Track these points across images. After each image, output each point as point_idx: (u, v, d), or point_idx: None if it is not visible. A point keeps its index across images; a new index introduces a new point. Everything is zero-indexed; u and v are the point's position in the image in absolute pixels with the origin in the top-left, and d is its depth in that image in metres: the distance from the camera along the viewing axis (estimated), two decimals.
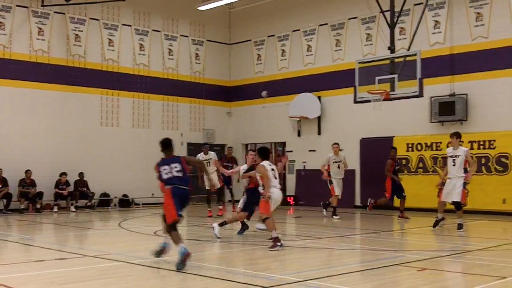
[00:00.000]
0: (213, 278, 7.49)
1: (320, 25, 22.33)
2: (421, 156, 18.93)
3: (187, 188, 8.67)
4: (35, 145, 19.85)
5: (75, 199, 19.93)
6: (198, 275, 7.66)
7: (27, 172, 19.22)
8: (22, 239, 12.27)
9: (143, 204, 21.83)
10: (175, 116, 23.76)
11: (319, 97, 22.00)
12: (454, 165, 12.79)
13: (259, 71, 24.54)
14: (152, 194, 22.34)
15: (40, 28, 20.34)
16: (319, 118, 22.04)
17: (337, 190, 16.54)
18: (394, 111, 19.12)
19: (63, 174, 19.81)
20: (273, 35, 23.98)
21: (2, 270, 8.28)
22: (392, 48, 16.99)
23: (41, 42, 20.35)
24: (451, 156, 12.89)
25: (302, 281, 7.15)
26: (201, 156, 17.35)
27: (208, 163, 17.00)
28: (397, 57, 16.47)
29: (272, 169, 10.60)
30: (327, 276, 7.53)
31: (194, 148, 24.14)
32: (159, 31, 23.44)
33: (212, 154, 17.35)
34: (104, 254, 9.53)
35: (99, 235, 13.79)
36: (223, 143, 25.33)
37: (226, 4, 23.28)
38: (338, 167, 16.57)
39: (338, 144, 16.84)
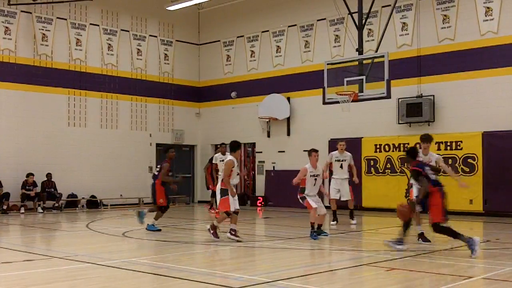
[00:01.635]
0: (183, 279, 7.47)
1: (289, 26, 22.43)
2: (389, 157, 19.15)
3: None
4: (1, 145, 19.54)
5: (42, 200, 19.66)
6: (168, 276, 7.63)
7: None
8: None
9: (111, 205, 21.64)
10: (143, 117, 23.60)
11: (288, 98, 22.10)
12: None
13: (228, 71, 24.54)
14: (121, 195, 22.20)
15: (6, 28, 20.02)
16: (288, 119, 22.14)
17: (333, 193, 14.94)
18: (362, 112, 19.30)
19: (30, 174, 19.52)
20: (242, 36, 24.01)
21: None
22: (360, 50, 17.14)
23: (7, 41, 20.03)
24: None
25: (271, 281, 7.17)
26: (219, 156, 16.99)
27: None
28: (365, 59, 16.62)
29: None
30: (296, 277, 7.58)
31: (163, 149, 24.05)
32: (127, 31, 23.27)
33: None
34: (72, 255, 9.44)
35: (67, 237, 13.64)
36: (192, 143, 25.27)
37: (195, 4, 23.23)
38: (341, 166, 14.93)
39: (344, 142, 15.39)
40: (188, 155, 25.37)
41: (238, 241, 10.99)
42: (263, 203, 22.25)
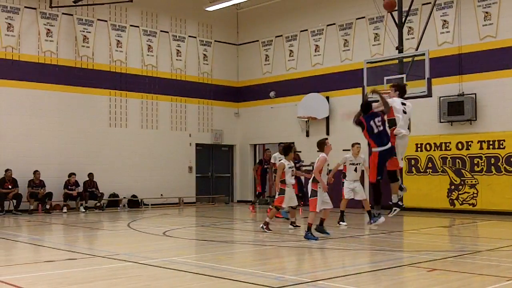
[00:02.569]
0: (223, 278, 7.48)
1: (328, 25, 22.30)
2: (430, 156, 18.86)
3: None
4: (43, 146, 19.92)
5: (84, 199, 20.00)
6: (208, 275, 7.65)
7: (36, 173, 19.30)
8: (31, 240, 12.31)
9: (152, 204, 21.86)
10: (183, 117, 23.78)
11: (327, 97, 21.97)
12: None
13: (267, 71, 24.53)
14: (161, 195, 22.40)
15: (48, 30, 20.41)
16: (327, 118, 22.01)
17: (347, 193, 14.70)
18: None
19: (72, 174, 19.88)
20: (281, 36, 23.97)
21: (12, 270, 8.31)
22: (400, 48, 16.93)
23: (49, 43, 20.42)
24: None
25: (311, 281, 7.13)
26: (277, 155, 16.26)
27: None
28: (405, 57, 16.41)
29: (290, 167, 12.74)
30: (337, 277, 7.51)
31: (202, 149, 24.22)
32: (167, 32, 23.48)
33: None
34: (113, 254, 9.55)
35: (108, 236, 13.82)
36: (231, 143, 25.34)
37: (234, 4, 23.29)
38: (355, 170, 14.42)
39: (359, 144, 14.80)
40: (227, 155, 25.45)
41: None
42: (302, 202, 22.11)
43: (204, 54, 24.67)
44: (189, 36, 24.16)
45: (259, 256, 10.08)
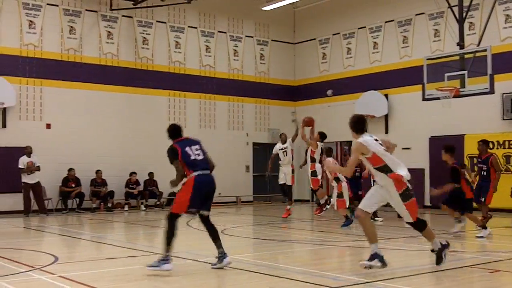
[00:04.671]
0: (280, 277, 7.47)
1: (387, 21, 21.98)
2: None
3: None
4: (106, 146, 20.38)
5: (144, 198, 20.39)
6: (265, 274, 7.66)
7: (98, 172, 19.79)
8: (94, 237, 12.61)
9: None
10: (240, 117, 23.91)
11: (386, 95, 21.66)
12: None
13: (324, 69, 24.38)
14: (219, 194, 22.53)
15: (109, 32, 20.88)
16: (386, 116, 21.70)
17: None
18: (464, 108, 18.58)
19: (133, 173, 20.31)
20: (338, 33, 23.79)
21: (74, 267, 8.54)
22: (461, 44, 16.54)
23: (110, 45, 20.89)
24: None
25: (369, 281, 7.04)
26: (278, 146, 16.85)
27: (285, 153, 16.64)
28: (467, 53, 16.02)
29: None
30: (395, 277, 7.39)
31: (259, 148, 24.28)
32: (224, 32, 23.66)
33: (288, 142, 16.69)
34: (173, 252, 9.66)
35: None
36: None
37: (290, 3, 23.25)
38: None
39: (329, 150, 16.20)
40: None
41: None
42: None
43: (261, 54, 24.73)
44: (246, 36, 24.27)
45: (317, 256, 10.03)
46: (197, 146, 8.92)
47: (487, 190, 13.27)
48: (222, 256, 8.15)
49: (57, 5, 19.85)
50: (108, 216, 18.01)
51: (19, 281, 7.36)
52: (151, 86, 21.67)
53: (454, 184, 11.71)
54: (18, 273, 7.84)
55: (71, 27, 20.12)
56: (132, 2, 20.74)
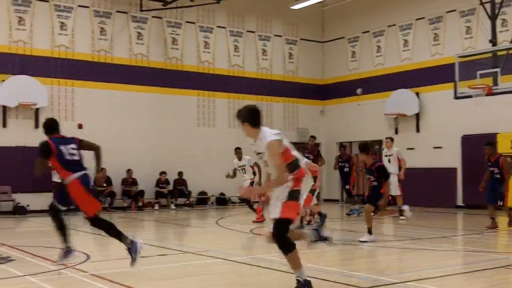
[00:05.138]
0: (310, 277, 7.43)
1: (417, 19, 21.74)
2: None
3: None
4: (136, 146, 20.55)
5: (174, 197, 20.53)
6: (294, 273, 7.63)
7: (129, 171, 19.98)
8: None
9: (239, 203, 22.09)
10: (269, 116, 23.88)
11: (417, 93, 21.43)
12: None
13: (353, 68, 24.23)
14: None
15: (139, 33, 21.05)
16: (417, 115, 21.46)
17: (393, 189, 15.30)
18: (498, 106, 18.25)
19: (163, 173, 20.46)
20: (368, 31, 23.60)
21: (106, 265, 8.62)
22: (493, 41, 16.29)
23: (140, 46, 21.06)
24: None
25: (400, 282, 6.97)
26: (235, 161, 16.27)
27: (243, 170, 16.08)
28: (499, 50, 15.77)
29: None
30: (427, 278, 7.30)
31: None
32: (253, 32, 23.66)
33: (246, 160, 16.15)
34: (203, 251, 9.71)
35: (197, 233, 14.09)
36: (317, 141, 25.17)
37: (319, 2, 23.14)
38: (389, 161, 15.89)
39: (390, 138, 16.58)
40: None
41: None
42: (392, 202, 21.66)
43: (290, 53, 24.68)
44: (275, 35, 24.25)
45: (347, 255, 9.97)
46: (72, 145, 8.65)
47: (502, 194, 12.94)
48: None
49: (87, 7, 20.08)
50: (138, 215, 18.17)
51: (53, 279, 7.46)
52: (180, 86, 21.79)
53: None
54: (51, 271, 7.95)
55: (102, 28, 20.34)
56: (162, 3, 20.88)
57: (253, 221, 14.85)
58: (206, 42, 22.54)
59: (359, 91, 22.92)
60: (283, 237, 6.25)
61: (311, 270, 7.89)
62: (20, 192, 18.26)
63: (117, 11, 20.60)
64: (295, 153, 6.54)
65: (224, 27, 22.99)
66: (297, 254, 6.36)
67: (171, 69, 21.66)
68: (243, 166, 16.00)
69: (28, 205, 18.23)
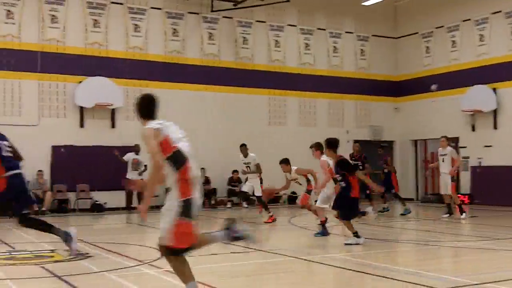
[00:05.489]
0: (384, 277, 7.31)
1: (493, 13, 21.00)
2: None
3: None
4: (208, 145, 20.78)
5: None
6: (368, 273, 7.53)
7: (202, 170, 20.27)
8: None
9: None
10: (340, 113, 23.67)
11: (494, 89, 20.70)
12: None
13: (428, 64, 23.65)
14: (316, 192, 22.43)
15: (210, 33, 21.31)
16: (495, 111, 20.74)
17: (442, 188, 15.65)
18: None
19: (235, 171, 20.64)
20: (442, 26, 22.98)
21: None
22: None
23: (211, 46, 21.31)
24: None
25: (477, 284, 6.74)
26: (241, 158, 16.09)
27: (248, 168, 15.86)
28: None
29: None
30: (504, 280, 7.03)
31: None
32: (324, 29, 23.50)
33: (251, 157, 15.81)
34: (276, 249, 9.71)
35: (271, 231, 14.10)
36: (391, 139, 24.77)
37: None
38: (443, 160, 15.59)
39: (445, 137, 15.91)
40: (386, 151, 24.87)
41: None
42: (468, 201, 21.08)
43: (361, 49, 24.36)
44: (346, 32, 24.00)
45: (422, 256, 9.74)
46: (6, 143, 8.38)
47: None
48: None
49: (160, 9, 20.50)
50: (211, 213, 18.39)
51: (129, 275, 7.64)
52: (251, 85, 21.90)
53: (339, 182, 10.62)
54: (127, 267, 8.15)
55: (174, 29, 20.71)
56: (232, 3, 21.05)
57: (264, 222, 14.76)
58: (276, 41, 22.56)
59: (434, 87, 22.32)
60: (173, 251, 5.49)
61: (387, 271, 7.76)
62: (98, 190, 18.84)
63: (189, 12, 20.92)
64: (183, 148, 5.73)
65: (295, 25, 22.94)
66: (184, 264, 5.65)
67: (242, 68, 21.80)
68: (248, 163, 15.85)
69: (105, 203, 18.79)
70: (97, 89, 18.83)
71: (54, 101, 18.78)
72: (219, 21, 21.43)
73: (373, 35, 24.56)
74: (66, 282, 7.00)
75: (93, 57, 19.35)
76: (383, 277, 7.32)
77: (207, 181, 20.30)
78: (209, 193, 20.23)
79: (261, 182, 15.80)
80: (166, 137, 5.58)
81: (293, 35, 22.91)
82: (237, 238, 5.94)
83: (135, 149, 18.43)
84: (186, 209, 5.37)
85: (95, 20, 19.45)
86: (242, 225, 5.92)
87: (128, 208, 18.32)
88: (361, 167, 16.56)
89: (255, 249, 9.14)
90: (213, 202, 20.28)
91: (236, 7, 21.08)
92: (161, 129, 5.61)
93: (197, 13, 21.09)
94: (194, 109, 20.73)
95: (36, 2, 18.58)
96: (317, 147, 12.24)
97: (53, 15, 18.82)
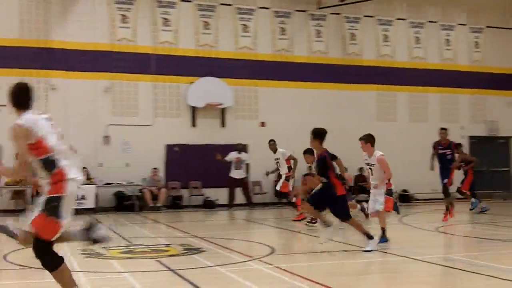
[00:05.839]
0: (500, 279, 6.97)
1: None
2: None
3: None
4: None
5: (355, 193, 20.43)
6: (485, 275, 7.20)
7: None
8: (309, 230, 12.86)
9: (423, 199, 21.39)
10: (454, 109, 22.83)
11: None
12: None
13: None
14: (432, 190, 21.77)
15: (317, 30, 21.25)
16: None
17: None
18: None
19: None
20: None
21: (291, 259, 8.80)
22: None
23: (319, 43, 21.25)
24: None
25: None
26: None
27: (278, 164, 15.17)
28: None
29: None
30: None
31: (476, 142, 22.93)
32: (435, 22, 22.76)
33: (280, 153, 15.21)
34: (386, 248, 9.54)
35: (379, 230, 13.84)
36: (508, 135, 23.57)
37: None
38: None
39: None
40: (504, 147, 23.73)
41: None
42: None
43: (475, 41, 23.36)
44: (458, 24, 23.10)
45: None
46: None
47: None
48: None
49: (268, 8, 20.70)
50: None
51: (239, 270, 7.78)
52: (359, 81, 21.61)
53: (320, 178, 9.55)
54: (238, 262, 8.29)
55: (282, 28, 20.84)
56: None
57: (293, 220, 14.21)
58: (385, 35, 22.13)
59: None
60: (42, 254, 5.21)
61: (492, 270, 7.40)
62: (209, 187, 19.32)
63: (296, 10, 20.97)
64: (59, 148, 5.26)
65: (404, 19, 22.38)
66: (66, 272, 5.30)
67: (349, 64, 21.57)
68: (277, 159, 15.26)
69: (217, 200, 19.24)
70: (208, 89, 19.32)
71: (167, 101, 19.48)
72: (326, 17, 21.33)
73: (487, 27, 23.47)
74: (180, 276, 7.23)
75: (204, 58, 19.85)
76: (501, 278, 6.99)
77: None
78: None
79: (290, 179, 15.00)
80: (39, 138, 5.17)
81: (403, 29, 22.36)
82: (95, 240, 5.54)
83: (238, 147, 18.77)
84: (53, 204, 5.13)
85: (205, 22, 19.96)
86: (101, 227, 5.57)
87: (230, 205, 18.69)
88: (449, 156, 14.51)
89: (368, 249, 9.00)
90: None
91: (343, 3, 20.88)
92: (32, 129, 5.14)
93: (304, 11, 21.10)
94: (302, 107, 20.74)
95: (149, 6, 19.35)
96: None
97: (165, 18, 19.52)
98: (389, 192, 10.17)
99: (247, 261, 8.40)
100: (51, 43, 18.28)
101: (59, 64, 18.25)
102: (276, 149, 15.35)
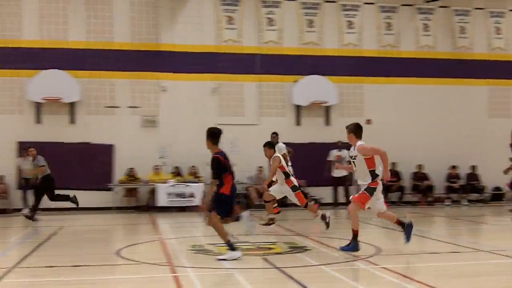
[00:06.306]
0: None
1: None
2: None
3: None
4: (425, 139, 20.15)
5: (466, 192, 19.73)
6: None
7: (419, 166, 19.78)
8: (416, 231, 12.57)
9: None
10: None
11: None
12: None
13: None
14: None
15: (425, 24, 20.68)
16: None
17: None
18: None
19: (454, 167, 19.80)
20: None
21: (397, 259, 8.64)
22: None
23: (426, 37, 20.67)
24: None
25: None
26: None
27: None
28: None
29: None
30: None
31: None
32: None
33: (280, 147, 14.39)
34: (499, 250, 9.15)
35: (493, 231, 13.31)
36: None
37: None
38: None
39: None
40: None
41: None
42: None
43: None
44: None
45: None
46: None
47: None
48: None
49: (373, 3, 20.38)
50: (428, 210, 17.85)
51: (345, 269, 7.74)
52: (469, 76, 20.81)
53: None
54: (343, 262, 8.25)
55: (388, 23, 20.46)
56: None
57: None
58: (497, 27, 21.18)
59: None
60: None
61: None
62: (314, 186, 19.29)
63: (402, 5, 20.52)
64: None
65: None
66: None
67: (459, 58, 20.83)
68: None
69: (322, 198, 19.18)
70: (313, 88, 19.33)
71: (272, 100, 19.67)
72: (434, 11, 20.71)
73: None
74: (286, 274, 7.30)
75: (308, 57, 19.87)
76: None
77: (424, 177, 19.73)
78: (425, 190, 19.64)
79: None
80: None
81: None
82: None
83: (338, 145, 18.56)
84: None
85: (310, 20, 19.96)
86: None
87: (335, 203, 18.53)
88: None
89: (474, 249, 8.69)
90: (430, 199, 19.65)
91: None
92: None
93: (411, 5, 20.60)
94: (410, 104, 20.32)
95: (254, 6, 19.60)
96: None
97: (269, 18, 19.71)
98: (370, 191, 9.01)
99: (353, 260, 8.34)
100: (160, 45, 18.98)
101: (168, 66, 18.93)
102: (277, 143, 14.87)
